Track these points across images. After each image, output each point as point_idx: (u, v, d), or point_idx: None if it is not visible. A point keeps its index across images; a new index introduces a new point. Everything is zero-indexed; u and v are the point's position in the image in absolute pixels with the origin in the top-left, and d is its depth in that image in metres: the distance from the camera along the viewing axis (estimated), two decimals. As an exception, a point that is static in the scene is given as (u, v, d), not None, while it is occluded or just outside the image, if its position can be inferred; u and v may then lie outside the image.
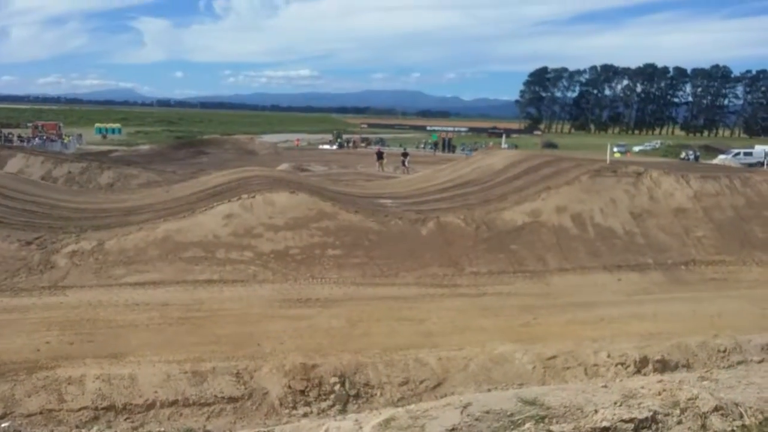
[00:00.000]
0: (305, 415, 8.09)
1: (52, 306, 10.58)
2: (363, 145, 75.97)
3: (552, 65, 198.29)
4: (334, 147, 72.86)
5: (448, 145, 71.75)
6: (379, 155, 43.68)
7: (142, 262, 12.50)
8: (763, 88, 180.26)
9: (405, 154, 43.65)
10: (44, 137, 58.84)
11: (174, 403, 7.96)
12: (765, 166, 46.42)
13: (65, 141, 58.87)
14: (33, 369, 8.20)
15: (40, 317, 10.01)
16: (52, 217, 15.49)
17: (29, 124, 72.57)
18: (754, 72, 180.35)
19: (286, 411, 8.16)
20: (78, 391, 7.89)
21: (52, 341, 9.12)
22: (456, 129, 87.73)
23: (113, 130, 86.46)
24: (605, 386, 3.55)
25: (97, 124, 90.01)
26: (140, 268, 12.31)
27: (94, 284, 11.62)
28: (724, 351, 9.61)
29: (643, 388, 3.45)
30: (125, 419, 7.74)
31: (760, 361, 9.43)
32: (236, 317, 10.49)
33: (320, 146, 73.96)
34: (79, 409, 7.72)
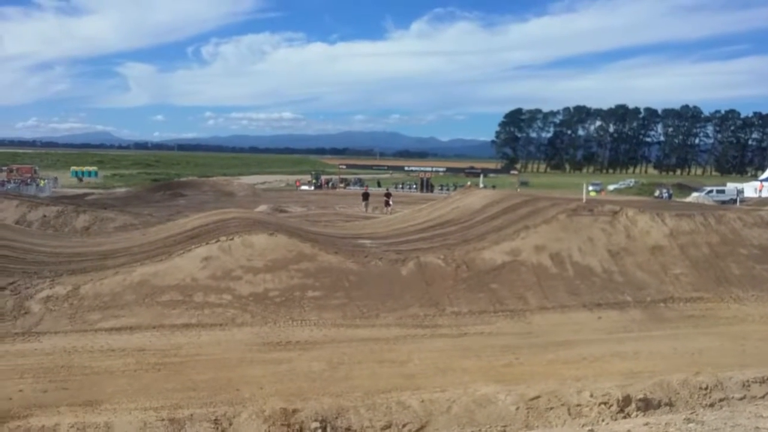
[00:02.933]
0: (286, 462, 7.90)
1: (25, 353, 10.33)
2: (342, 185, 76.29)
3: (527, 107, 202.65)
4: (312, 188, 73.06)
5: (427, 185, 72.46)
6: (365, 196, 43.88)
7: (118, 307, 12.30)
8: (732, 128, 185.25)
9: (388, 194, 43.97)
10: (19, 181, 58.24)
11: (150, 452, 7.74)
12: (737, 203, 47.29)
13: (40, 184, 58.33)
14: (5, 418, 7.94)
15: (12, 364, 9.76)
16: (27, 262, 15.21)
17: (4, 168, 71.86)
18: (723, 112, 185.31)
19: (267, 458, 7.97)
20: (51, 442, 7.65)
21: (25, 389, 8.88)
22: (434, 169, 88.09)
23: (89, 173, 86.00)
24: (592, 430, 3.52)
25: (73, 167, 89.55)
26: (116, 313, 12.10)
27: (69, 330, 11.39)
28: (706, 388, 9.61)
29: (629, 431, 3.42)
30: (100, 470, 7.50)
31: (742, 398, 9.45)
32: (214, 362, 10.31)
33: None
34: (52, 461, 7.48)
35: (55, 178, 66.83)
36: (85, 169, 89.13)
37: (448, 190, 63.28)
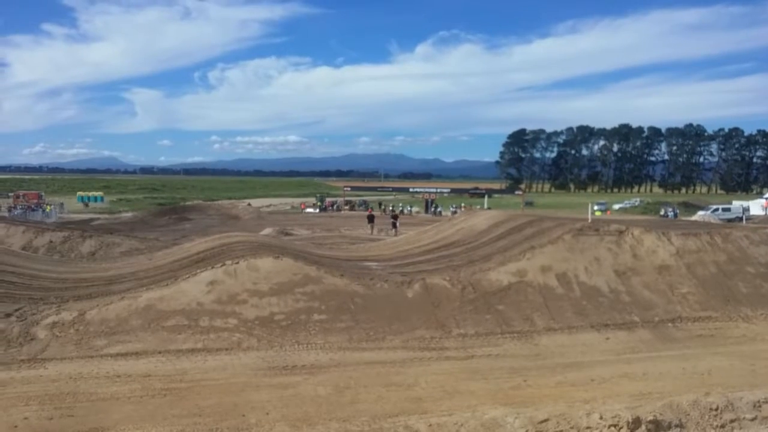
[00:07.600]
0: (293, 488, 7.82)
1: (31, 380, 10.29)
2: (346, 207, 76.45)
3: (531, 127, 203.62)
4: (317, 210, 73.22)
5: (431, 206, 72.61)
6: (371, 218, 43.79)
7: (123, 333, 12.27)
8: (736, 146, 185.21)
9: (395, 217, 43.80)
10: (25, 206, 58.49)
11: (156, 479, 7.68)
12: (744, 221, 47.10)
13: (47, 210, 58.57)
14: (9, 447, 7.90)
15: (18, 392, 9.72)
16: (33, 288, 15.23)
17: (10, 194, 72.29)
18: (726, 130, 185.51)
19: (273, 485, 7.89)
20: (56, 470, 7.59)
21: (30, 417, 8.83)
22: (438, 190, 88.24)
23: (95, 198, 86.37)
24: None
25: (79, 193, 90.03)
26: (122, 339, 12.07)
27: (75, 356, 11.36)
28: (716, 409, 9.50)
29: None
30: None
31: (753, 419, 9.33)
32: (220, 387, 10.26)
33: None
34: (57, 489, 7.42)
35: (62, 204, 67.13)
36: (91, 194, 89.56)
37: (459, 209, 63.37)
